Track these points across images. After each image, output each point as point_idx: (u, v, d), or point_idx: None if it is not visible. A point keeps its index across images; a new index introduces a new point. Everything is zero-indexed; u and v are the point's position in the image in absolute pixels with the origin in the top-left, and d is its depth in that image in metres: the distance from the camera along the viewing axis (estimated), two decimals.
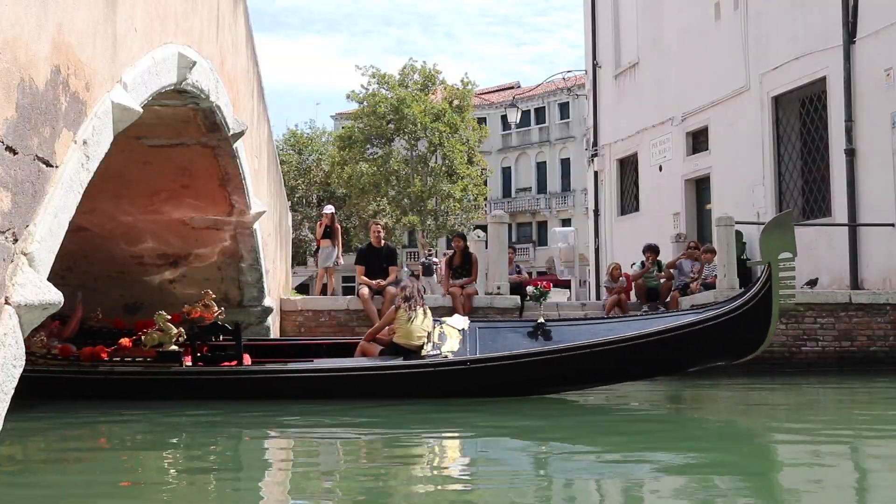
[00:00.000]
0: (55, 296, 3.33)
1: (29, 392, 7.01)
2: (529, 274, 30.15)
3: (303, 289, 37.46)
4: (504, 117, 40.26)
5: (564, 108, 45.29)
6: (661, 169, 17.20)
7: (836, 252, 12.54)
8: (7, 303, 3.05)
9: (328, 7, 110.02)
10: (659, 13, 17.32)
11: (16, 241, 3.12)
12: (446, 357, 7.53)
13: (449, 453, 5.72)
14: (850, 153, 12.35)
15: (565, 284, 20.91)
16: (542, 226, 45.71)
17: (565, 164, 46.05)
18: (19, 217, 3.12)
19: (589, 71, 20.34)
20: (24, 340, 3.17)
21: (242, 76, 8.37)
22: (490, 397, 7.45)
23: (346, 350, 8.27)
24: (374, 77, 35.39)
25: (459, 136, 35.18)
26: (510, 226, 40.42)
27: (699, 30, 15.98)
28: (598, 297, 16.99)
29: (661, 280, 12.86)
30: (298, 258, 37.80)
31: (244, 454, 5.75)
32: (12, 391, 3.12)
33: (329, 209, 14.57)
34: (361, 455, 5.65)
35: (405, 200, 35.46)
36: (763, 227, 7.62)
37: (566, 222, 42.58)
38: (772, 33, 14.01)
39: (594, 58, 19.71)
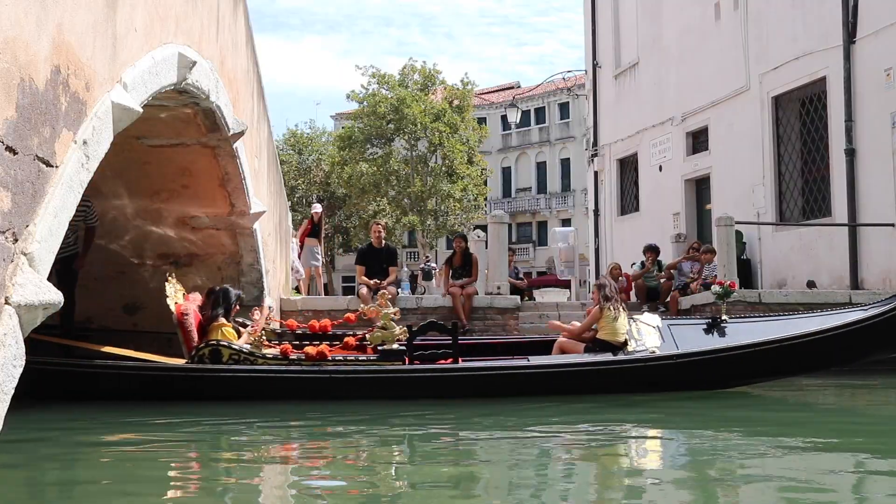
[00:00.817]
0: (55, 296, 3.34)
1: (254, 391, 7.15)
2: (528, 275, 30.25)
3: None
4: (504, 117, 40.28)
5: (564, 108, 45.30)
6: (661, 169, 17.20)
7: (836, 252, 12.53)
8: (7, 303, 3.05)
9: (328, 8, 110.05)
10: (659, 13, 17.32)
11: (16, 241, 3.12)
12: (653, 352, 7.80)
13: (673, 447, 5.79)
14: (850, 153, 12.35)
15: (565, 284, 20.90)
16: (542, 226, 45.72)
17: (565, 164, 46.06)
18: (19, 217, 3.12)
19: (589, 71, 20.34)
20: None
21: (242, 76, 8.37)
22: (689, 391, 7.73)
23: (521, 348, 8.46)
24: (374, 77, 35.40)
25: (459, 136, 35.17)
26: (510, 226, 40.43)
27: (699, 30, 15.98)
28: None
29: (661, 280, 12.86)
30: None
31: (474, 452, 5.74)
32: (12, 391, 3.12)
33: (318, 208, 14.68)
34: (582, 449, 5.75)
35: (405, 200, 35.46)
36: None
37: (566, 222, 42.60)
38: (772, 33, 14.01)
39: (594, 58, 19.71)
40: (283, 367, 7.31)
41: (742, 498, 4.22)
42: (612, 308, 7.97)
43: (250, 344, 7.45)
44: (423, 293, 23.28)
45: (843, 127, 12.46)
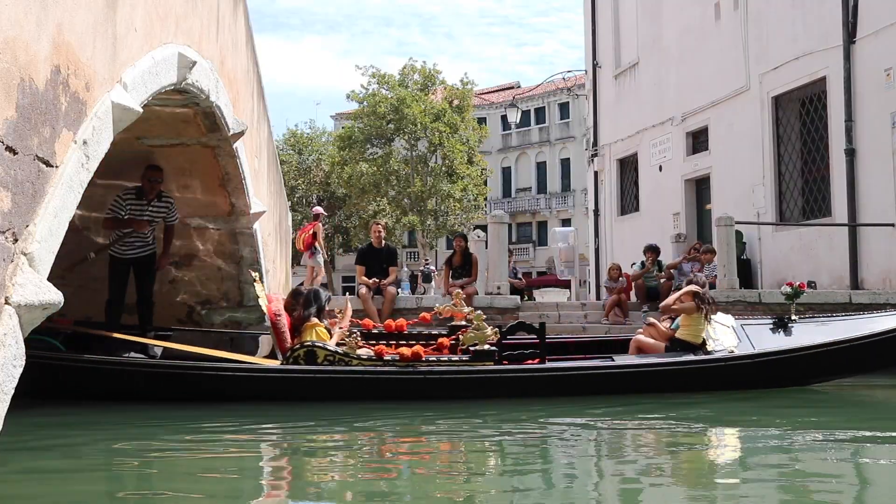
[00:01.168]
0: (55, 296, 3.34)
1: (348, 392, 7.22)
2: (528, 275, 30.28)
3: None
4: (504, 117, 40.30)
5: (564, 108, 45.32)
6: (661, 169, 17.20)
7: (836, 252, 12.53)
8: (7, 303, 3.05)
9: (328, 8, 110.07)
10: (659, 13, 17.32)
11: (16, 241, 3.12)
12: (732, 352, 7.96)
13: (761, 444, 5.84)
14: (850, 153, 12.35)
15: (565, 284, 20.91)
16: (542, 226, 45.74)
17: (565, 164, 46.07)
18: (19, 217, 3.13)
19: (589, 71, 20.34)
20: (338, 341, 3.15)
21: (242, 76, 8.37)
22: (765, 388, 7.90)
23: (599, 347, 8.61)
24: (374, 77, 35.40)
25: (459, 136, 35.18)
26: (510, 226, 40.45)
27: (699, 30, 15.98)
28: (598, 297, 16.99)
29: (661, 280, 12.86)
30: (298, 258, 37.79)
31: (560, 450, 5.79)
32: (12, 391, 3.12)
33: (319, 210, 14.95)
34: (667, 445, 5.84)
35: (405, 200, 35.47)
36: None
37: (566, 222, 42.61)
38: (772, 33, 14.01)
39: (594, 58, 19.71)
40: (378, 369, 7.35)
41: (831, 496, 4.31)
42: (705, 311, 8.14)
43: (343, 343, 7.47)
44: (423, 293, 23.30)
45: (843, 127, 12.46)
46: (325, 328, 7.67)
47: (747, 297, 11.20)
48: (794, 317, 8.63)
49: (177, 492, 4.33)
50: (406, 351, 7.42)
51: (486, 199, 39.22)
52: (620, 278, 12.85)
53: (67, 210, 3.60)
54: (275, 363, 7.36)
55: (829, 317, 8.94)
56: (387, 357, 7.39)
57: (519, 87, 46.99)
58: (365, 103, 35.33)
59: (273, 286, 10.65)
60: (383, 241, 11.56)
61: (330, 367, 7.20)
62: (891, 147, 11.79)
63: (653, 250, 13.15)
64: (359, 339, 7.53)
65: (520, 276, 16.39)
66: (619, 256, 16.72)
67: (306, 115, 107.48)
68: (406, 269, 32.96)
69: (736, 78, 14.75)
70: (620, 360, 8.01)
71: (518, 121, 26.33)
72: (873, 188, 12.03)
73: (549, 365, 7.73)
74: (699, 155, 16.11)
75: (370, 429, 6.33)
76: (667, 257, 13.76)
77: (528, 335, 7.99)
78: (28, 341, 7.22)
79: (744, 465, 5.11)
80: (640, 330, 8.68)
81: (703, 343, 8.06)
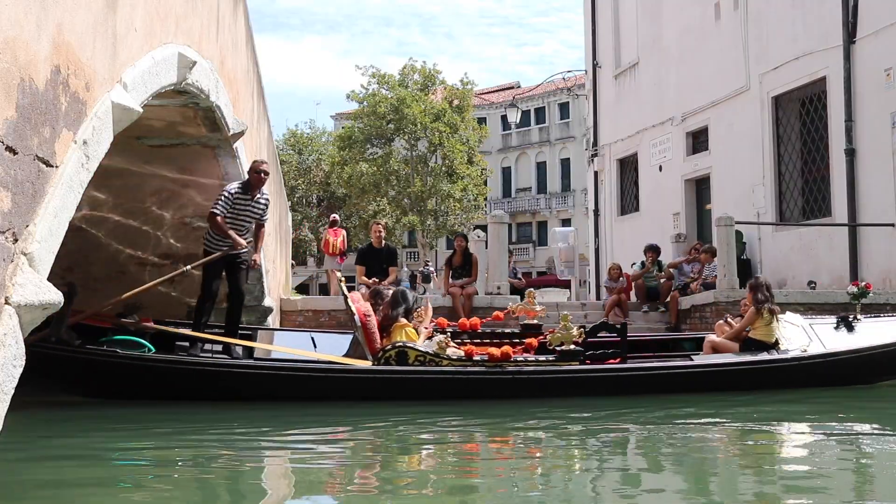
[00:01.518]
0: (55, 296, 3.33)
1: (438, 392, 7.29)
2: (528, 275, 30.28)
3: (303, 289, 37.50)
4: (504, 117, 40.29)
5: (564, 108, 45.31)
6: (661, 169, 17.20)
7: (836, 252, 12.53)
8: (7, 303, 3.05)
9: (328, 8, 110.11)
10: (659, 13, 17.32)
11: (16, 241, 3.12)
12: (804, 351, 8.14)
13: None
14: (850, 153, 12.35)
15: (565, 284, 20.90)
16: (542, 226, 45.73)
17: (565, 164, 46.07)
18: (19, 217, 3.12)
19: (589, 71, 20.34)
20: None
21: (242, 76, 8.37)
22: (835, 386, 8.05)
23: (675, 346, 8.85)
24: (374, 77, 35.39)
25: (459, 136, 35.17)
26: (510, 226, 40.44)
27: (699, 30, 15.97)
28: (598, 297, 16.99)
29: (661, 280, 12.87)
30: (298, 258, 37.82)
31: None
32: (12, 391, 3.11)
33: (337, 217, 15.54)
34: (740, 442, 5.96)
35: (405, 200, 35.46)
36: None
37: (566, 222, 42.60)
38: (772, 33, 14.01)
39: (594, 58, 19.71)
40: (468, 369, 7.40)
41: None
42: (767, 309, 8.25)
43: (432, 341, 7.55)
44: (423, 293, 23.30)
45: (843, 127, 12.46)
46: (414, 328, 7.76)
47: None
48: (858, 316, 8.81)
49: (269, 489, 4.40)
50: (495, 351, 7.51)
51: (486, 199, 39.22)
52: (620, 278, 12.86)
53: (67, 210, 3.60)
54: (366, 364, 7.36)
55: (890, 316, 9.15)
56: (476, 357, 7.47)
57: (519, 87, 46.98)
58: (365, 103, 35.31)
59: (273, 286, 10.64)
60: (383, 241, 11.56)
61: (421, 368, 7.27)
62: (891, 147, 11.79)
63: (653, 250, 13.16)
64: (448, 339, 7.61)
65: (520, 276, 16.40)
66: (619, 256, 16.72)
67: (306, 115, 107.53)
68: (406, 268, 32.96)
69: (736, 78, 14.75)
70: (700, 359, 8.18)
71: (518, 121, 26.33)
72: (873, 188, 12.03)
73: (632, 364, 7.92)
74: (699, 155, 16.11)
75: (461, 429, 6.40)
76: (667, 257, 13.76)
77: (609, 335, 8.19)
78: (118, 342, 7.20)
79: (828, 462, 5.19)
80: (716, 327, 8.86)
81: (776, 342, 8.21)
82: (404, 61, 49.59)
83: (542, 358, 7.66)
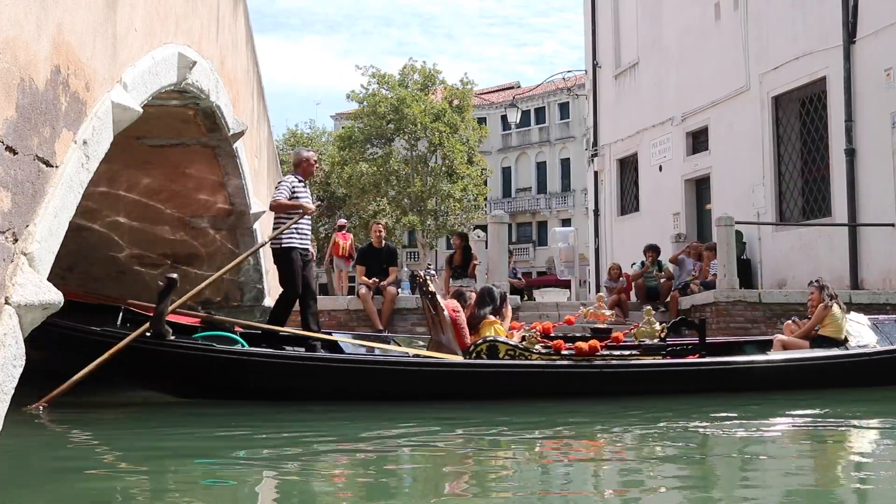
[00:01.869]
0: (55, 296, 3.34)
1: (527, 387, 7.32)
2: (528, 275, 30.26)
3: None
4: (504, 117, 40.28)
5: (564, 108, 45.31)
6: (661, 169, 17.19)
7: (836, 252, 12.53)
8: (7, 303, 3.05)
9: (328, 8, 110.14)
10: (659, 13, 17.32)
11: (16, 241, 3.12)
12: (874, 348, 8.16)
13: None
14: (850, 153, 12.35)
15: (565, 284, 20.90)
16: (542, 226, 45.73)
17: (565, 164, 46.06)
18: (19, 217, 3.12)
19: (589, 71, 20.33)
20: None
21: (242, 76, 8.37)
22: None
23: (732, 348, 8.79)
24: (374, 77, 35.37)
25: (459, 136, 35.15)
26: (510, 226, 40.44)
27: (699, 30, 15.97)
28: None
29: (661, 280, 12.87)
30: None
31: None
32: (12, 391, 3.12)
33: (344, 221, 16.10)
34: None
35: (405, 200, 35.45)
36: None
37: (566, 222, 42.60)
38: (772, 33, 14.01)
39: (594, 58, 19.70)
40: (556, 363, 7.43)
41: None
42: (836, 306, 8.30)
43: (524, 339, 7.59)
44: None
45: (843, 127, 12.45)
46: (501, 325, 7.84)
47: (747, 297, 11.20)
48: None
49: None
50: (583, 345, 7.55)
51: (486, 199, 39.19)
52: (620, 278, 12.86)
53: (67, 210, 3.60)
54: (458, 358, 7.36)
55: None
56: (564, 351, 7.52)
57: (519, 87, 46.97)
58: (365, 103, 35.29)
59: (273, 286, 10.63)
60: (383, 241, 11.56)
61: (511, 361, 7.30)
62: (891, 147, 11.79)
63: (653, 250, 13.16)
64: (537, 334, 7.67)
65: (520, 276, 16.39)
66: (619, 256, 16.72)
67: (306, 115, 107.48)
68: (406, 268, 32.95)
69: (736, 78, 14.75)
70: (775, 355, 8.20)
71: (518, 121, 26.32)
72: (873, 188, 12.03)
73: (709, 360, 7.93)
74: (699, 155, 16.10)
75: (553, 428, 6.37)
76: (666, 258, 13.77)
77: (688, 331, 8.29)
78: (213, 338, 7.21)
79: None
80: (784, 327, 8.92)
81: (846, 339, 8.23)
82: (404, 61, 49.62)
83: (626, 353, 7.75)
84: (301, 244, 8.01)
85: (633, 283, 12.96)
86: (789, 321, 8.97)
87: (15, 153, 3.03)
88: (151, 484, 4.34)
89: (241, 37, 8.26)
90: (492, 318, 7.67)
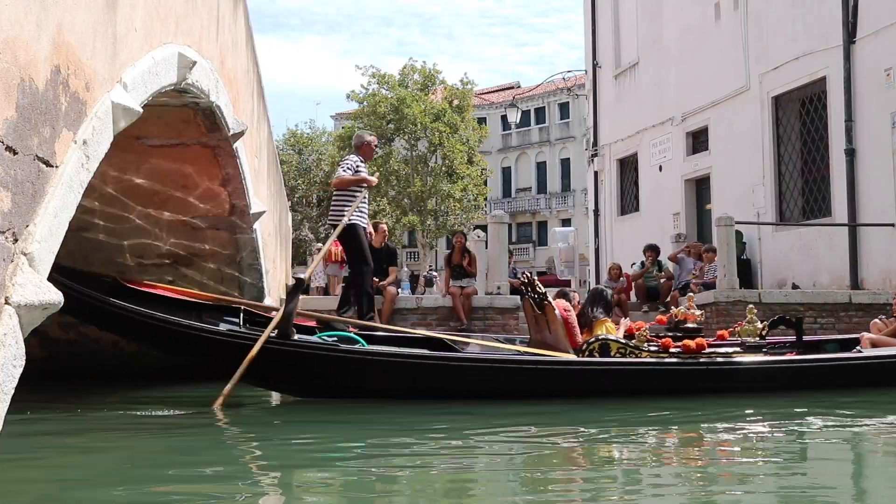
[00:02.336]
0: (55, 296, 3.33)
1: (638, 384, 7.37)
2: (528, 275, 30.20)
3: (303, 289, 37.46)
4: (504, 117, 40.29)
5: (564, 108, 45.33)
6: (661, 169, 17.20)
7: (836, 252, 12.53)
8: (7, 303, 3.05)
9: (328, 8, 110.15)
10: (659, 13, 17.32)
11: (16, 241, 3.12)
12: None
13: None
14: (850, 153, 12.35)
15: (565, 284, 20.87)
16: (542, 226, 45.75)
17: (565, 164, 46.09)
18: (19, 217, 3.12)
19: (589, 71, 20.34)
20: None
21: (242, 76, 8.37)
22: None
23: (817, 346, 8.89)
24: (374, 77, 35.37)
25: (459, 136, 35.16)
26: (510, 226, 40.45)
27: (699, 30, 15.97)
28: None
29: (661, 280, 12.87)
30: (298, 258, 37.79)
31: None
32: (12, 391, 3.11)
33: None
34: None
35: (405, 200, 35.45)
36: None
37: (566, 222, 42.62)
38: (772, 33, 14.01)
39: (594, 58, 19.71)
40: (666, 360, 7.51)
41: None
42: None
43: (633, 338, 7.68)
44: (422, 293, 23.31)
45: (843, 127, 12.46)
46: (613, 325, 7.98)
47: (747, 298, 11.18)
48: None
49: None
50: (690, 342, 7.63)
51: (486, 199, 39.21)
52: (620, 278, 12.86)
53: (67, 210, 3.60)
54: (572, 356, 7.42)
55: None
56: (672, 349, 7.61)
57: (519, 87, 46.97)
58: (365, 103, 35.29)
59: (273, 286, 10.64)
60: (384, 241, 11.54)
61: (624, 359, 7.40)
62: (891, 147, 11.79)
63: (653, 250, 13.16)
64: (647, 332, 7.77)
65: (519, 276, 16.38)
66: (619, 256, 16.72)
67: (306, 115, 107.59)
68: (406, 268, 32.94)
69: (736, 78, 14.75)
70: (870, 352, 8.23)
71: (518, 121, 26.34)
72: (873, 188, 12.03)
73: (806, 357, 8.03)
74: (699, 155, 16.11)
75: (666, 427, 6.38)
76: (665, 256, 13.77)
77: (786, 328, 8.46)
78: (337, 339, 7.28)
79: None
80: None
81: None
82: (404, 61, 49.58)
83: (730, 350, 7.84)
84: (361, 222, 8.63)
85: (633, 283, 12.96)
86: (876, 320, 9.02)
87: (15, 153, 3.03)
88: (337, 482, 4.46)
89: (241, 37, 8.26)
90: (603, 317, 7.87)
